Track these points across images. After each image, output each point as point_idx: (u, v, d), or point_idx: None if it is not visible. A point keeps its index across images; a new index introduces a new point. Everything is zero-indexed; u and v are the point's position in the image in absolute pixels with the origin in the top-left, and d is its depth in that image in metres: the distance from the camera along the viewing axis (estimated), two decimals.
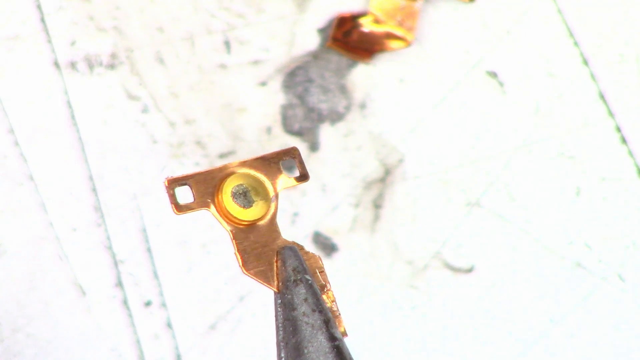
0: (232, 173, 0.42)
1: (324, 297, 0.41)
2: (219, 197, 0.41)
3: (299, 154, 0.43)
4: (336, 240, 0.62)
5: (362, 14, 0.63)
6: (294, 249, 0.41)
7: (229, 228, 0.41)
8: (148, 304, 0.61)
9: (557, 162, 0.64)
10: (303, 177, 0.43)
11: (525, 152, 0.63)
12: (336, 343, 0.39)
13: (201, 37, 0.63)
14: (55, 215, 0.61)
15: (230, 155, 0.62)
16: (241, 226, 0.41)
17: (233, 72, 0.63)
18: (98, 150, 0.61)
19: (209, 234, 0.61)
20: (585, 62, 0.64)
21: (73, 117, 0.62)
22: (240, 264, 0.41)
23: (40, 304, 0.60)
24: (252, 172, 0.42)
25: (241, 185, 0.41)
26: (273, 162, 0.43)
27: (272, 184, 0.42)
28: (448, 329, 0.62)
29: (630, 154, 0.64)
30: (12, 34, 0.62)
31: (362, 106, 0.63)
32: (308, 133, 0.63)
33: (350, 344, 0.40)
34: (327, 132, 0.63)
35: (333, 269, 0.62)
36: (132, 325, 0.60)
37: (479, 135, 0.63)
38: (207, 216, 0.61)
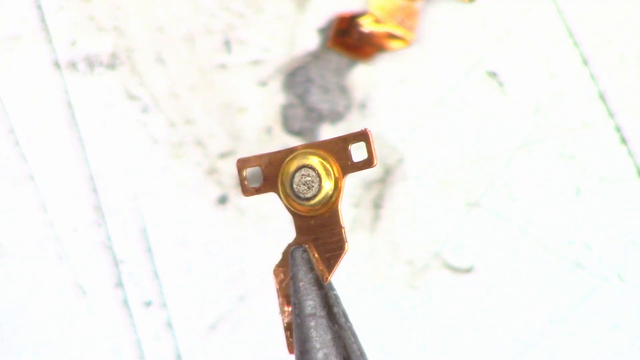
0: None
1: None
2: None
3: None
4: None
5: (362, 14, 0.63)
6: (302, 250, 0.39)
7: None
8: (148, 304, 0.61)
9: (557, 162, 0.64)
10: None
11: (525, 152, 0.63)
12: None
13: (201, 37, 0.63)
14: (55, 215, 0.61)
15: (230, 155, 0.62)
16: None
17: (233, 72, 0.63)
18: (98, 150, 0.61)
19: (209, 234, 0.61)
20: (585, 62, 0.64)
21: (73, 117, 0.62)
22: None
23: (40, 304, 0.60)
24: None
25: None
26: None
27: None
28: (448, 329, 0.62)
29: (630, 154, 0.64)
30: (12, 34, 0.62)
31: (362, 106, 0.63)
32: (308, 133, 0.63)
33: None
34: (327, 132, 0.63)
35: None
36: (132, 325, 0.60)
37: (479, 135, 0.63)
38: (207, 216, 0.61)
